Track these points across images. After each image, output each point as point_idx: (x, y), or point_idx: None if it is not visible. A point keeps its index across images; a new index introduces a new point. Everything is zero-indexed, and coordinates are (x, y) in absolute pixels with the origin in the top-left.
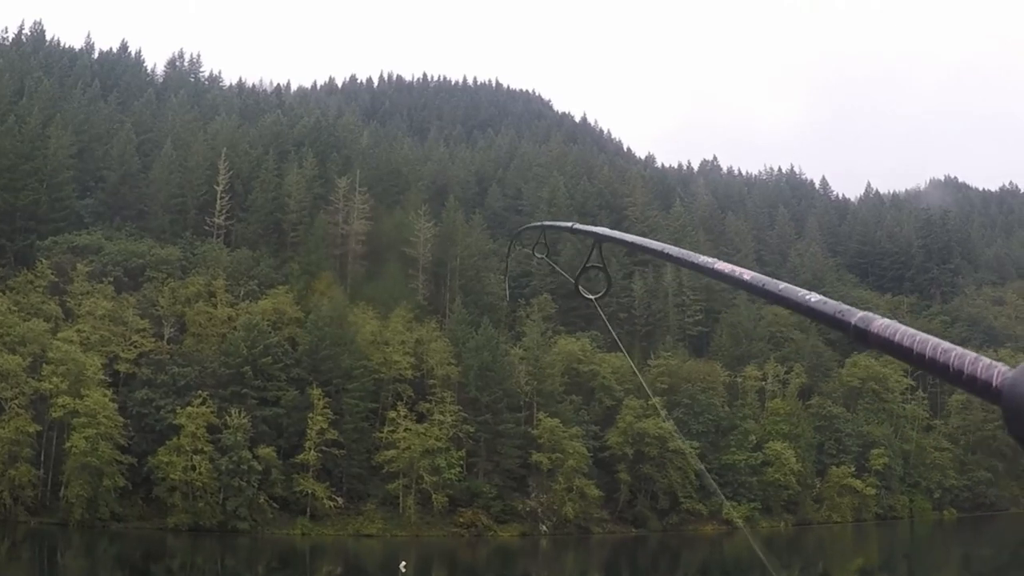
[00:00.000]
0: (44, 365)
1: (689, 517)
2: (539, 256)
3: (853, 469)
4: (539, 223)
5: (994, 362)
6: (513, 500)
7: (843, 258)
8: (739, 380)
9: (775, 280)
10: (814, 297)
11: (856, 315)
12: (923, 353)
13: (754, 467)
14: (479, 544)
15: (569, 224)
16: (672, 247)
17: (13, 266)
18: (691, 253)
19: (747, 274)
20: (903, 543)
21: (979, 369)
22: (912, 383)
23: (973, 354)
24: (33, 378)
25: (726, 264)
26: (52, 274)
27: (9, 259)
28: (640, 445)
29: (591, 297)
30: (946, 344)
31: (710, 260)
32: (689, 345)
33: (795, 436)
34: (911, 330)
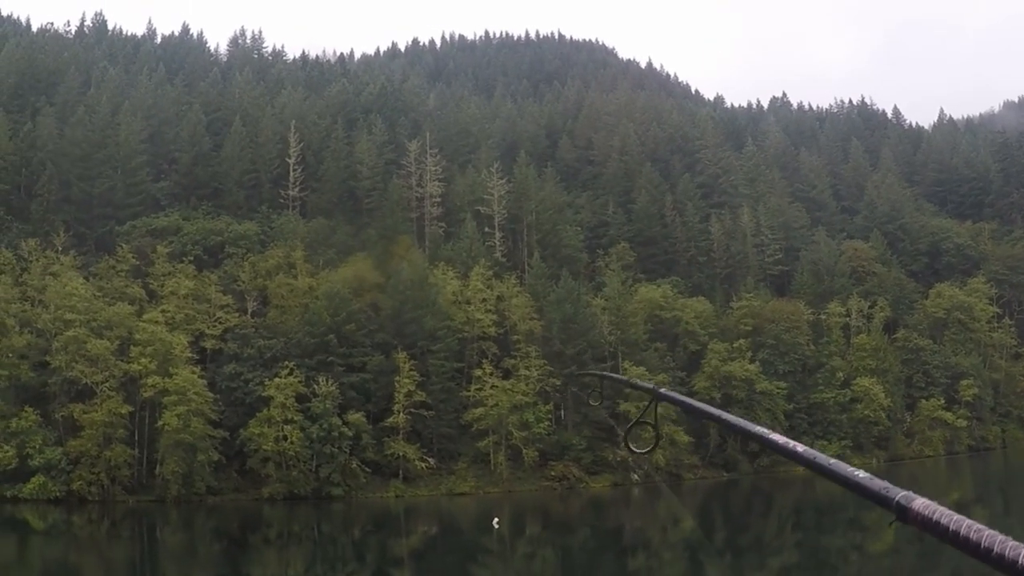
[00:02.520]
0: (132, 347)
1: (780, 458)
2: (594, 404)
3: (943, 401)
4: (598, 372)
5: (1021, 544)
6: (603, 451)
7: (920, 187)
8: (823, 317)
9: (824, 456)
10: (861, 474)
11: (899, 493)
12: (958, 532)
13: (843, 404)
14: (571, 496)
15: (626, 378)
16: (728, 414)
17: (95, 253)
18: (746, 422)
19: (799, 447)
20: (997, 474)
21: (1007, 549)
22: (998, 311)
23: (1003, 536)
24: (122, 360)
25: (780, 436)
26: (133, 258)
27: (90, 246)
28: (727, 388)
29: (638, 452)
30: (979, 525)
31: (764, 430)
32: (770, 285)
33: (882, 371)
34: (948, 511)
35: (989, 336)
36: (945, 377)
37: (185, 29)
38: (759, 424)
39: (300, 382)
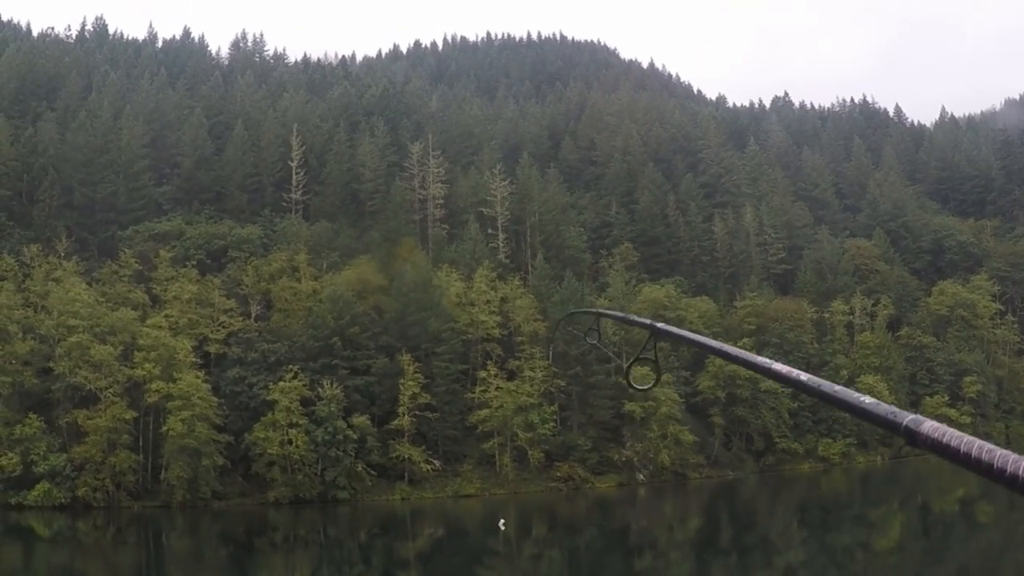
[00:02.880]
0: (135, 352)
1: (785, 456)
2: (591, 343)
3: (947, 398)
4: (595, 310)
5: None
6: (608, 451)
7: (923, 185)
8: (827, 316)
9: (829, 383)
10: (867, 399)
11: (907, 417)
12: (969, 452)
13: None
14: (577, 497)
15: (623, 315)
16: (729, 347)
17: (97, 258)
18: (748, 353)
19: (803, 375)
20: None
21: (1020, 467)
22: (1001, 308)
23: (1015, 455)
24: (126, 366)
25: (783, 365)
26: (136, 262)
27: (93, 251)
28: (732, 387)
29: (641, 388)
30: (990, 445)
31: (767, 361)
32: (774, 284)
33: (886, 368)
34: (958, 432)
35: (992, 333)
36: (949, 374)
37: (186, 33)
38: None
39: (304, 386)
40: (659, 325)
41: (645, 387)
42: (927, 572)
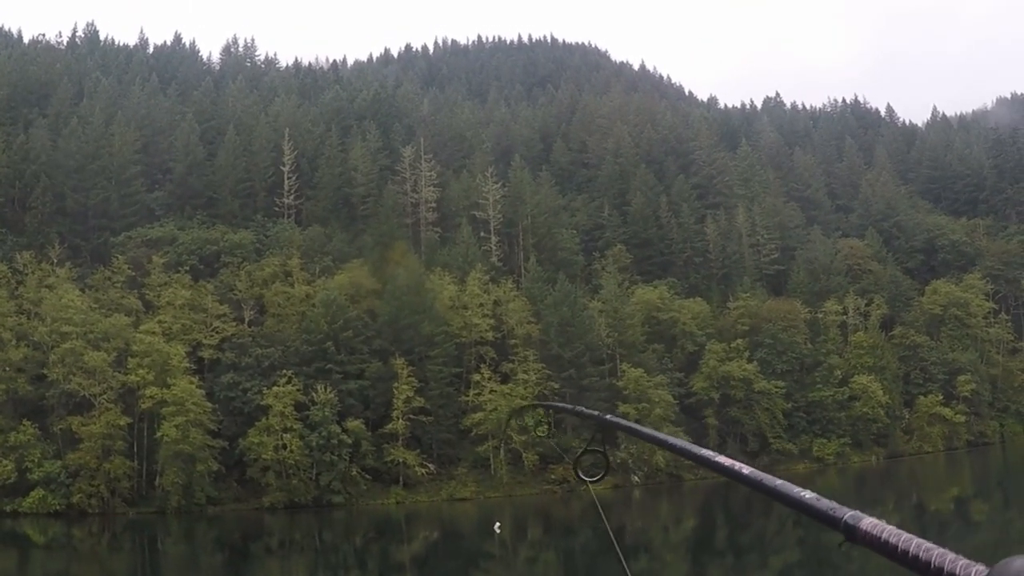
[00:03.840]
0: (129, 358)
1: (780, 457)
2: (540, 436)
3: (941, 397)
4: (542, 403)
5: (972, 563)
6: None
7: (915, 185)
8: (820, 316)
9: (771, 477)
10: (808, 494)
11: (847, 513)
12: (907, 551)
13: (841, 402)
14: (572, 499)
15: (571, 407)
16: (673, 439)
17: (90, 264)
18: (693, 446)
19: (746, 469)
20: (997, 469)
21: (958, 568)
22: (995, 306)
23: (953, 554)
24: (119, 372)
25: (726, 458)
26: (129, 268)
27: (85, 258)
28: (726, 388)
29: (588, 480)
30: (928, 544)
31: (711, 453)
32: (767, 284)
33: (880, 368)
34: (896, 530)
35: (986, 332)
36: (943, 373)
37: (177, 38)
38: (705, 448)
39: (298, 390)
40: (607, 417)
41: (595, 479)
42: None
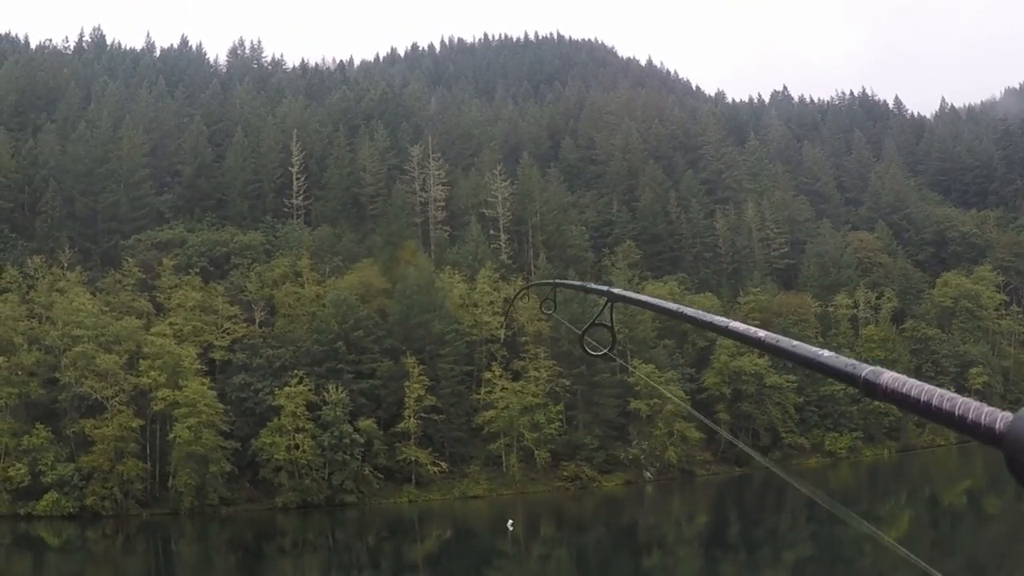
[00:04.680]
0: (141, 361)
1: (792, 451)
2: (547, 312)
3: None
4: (551, 281)
5: (996, 409)
6: (615, 449)
7: (924, 177)
8: (830, 310)
9: (788, 338)
10: (826, 353)
11: (865, 369)
12: (929, 402)
13: (853, 396)
14: (584, 496)
15: (580, 283)
16: (687, 308)
17: (100, 267)
18: (703, 313)
19: (761, 332)
20: None
21: (983, 415)
22: (1006, 298)
23: (976, 402)
24: (131, 374)
25: (739, 323)
26: (139, 271)
27: (96, 261)
28: (737, 383)
29: (596, 354)
30: (951, 394)
31: (724, 320)
32: (777, 279)
33: (891, 361)
34: (918, 382)
35: (997, 324)
36: (954, 366)
37: (184, 41)
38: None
39: (310, 390)
40: (615, 291)
41: (600, 352)
42: (936, 564)
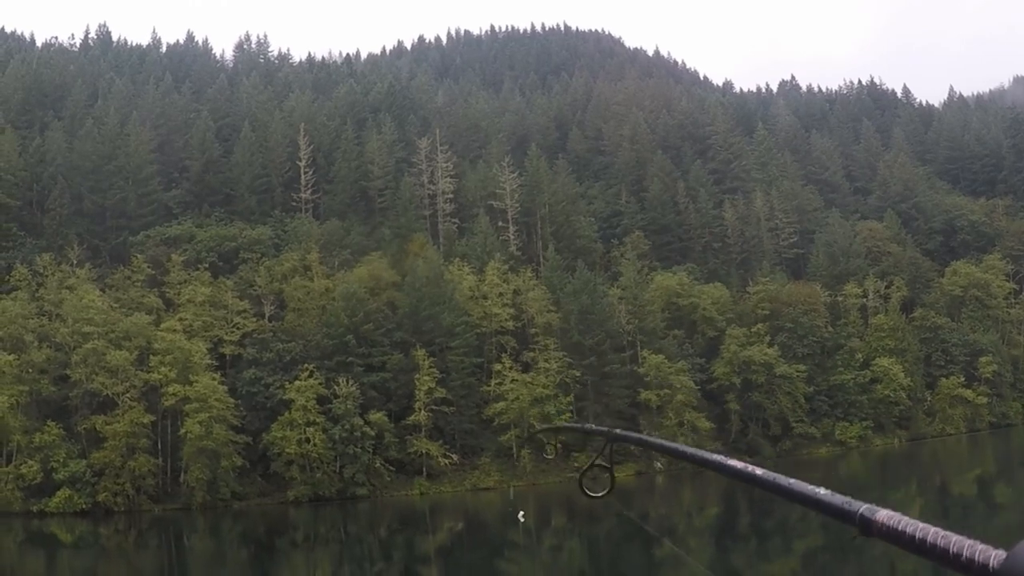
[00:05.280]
0: (151, 356)
1: (802, 441)
2: (548, 457)
3: (963, 379)
4: (553, 426)
5: (989, 547)
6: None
7: (932, 166)
8: (840, 299)
9: (784, 476)
10: (822, 491)
11: (862, 507)
12: (924, 539)
13: (862, 385)
14: (595, 487)
15: (580, 425)
16: (684, 447)
17: (109, 264)
18: (702, 452)
19: (758, 471)
20: (1019, 450)
21: (976, 553)
22: (1015, 287)
23: (972, 541)
24: (142, 370)
25: (737, 461)
26: (148, 267)
27: (105, 258)
28: (747, 373)
29: (594, 496)
30: (944, 532)
31: (721, 458)
32: (786, 268)
33: (901, 351)
34: (912, 521)
35: (1007, 312)
36: (964, 355)
37: (190, 37)
38: (714, 454)
39: (320, 384)
40: (616, 431)
41: (600, 494)
42: None
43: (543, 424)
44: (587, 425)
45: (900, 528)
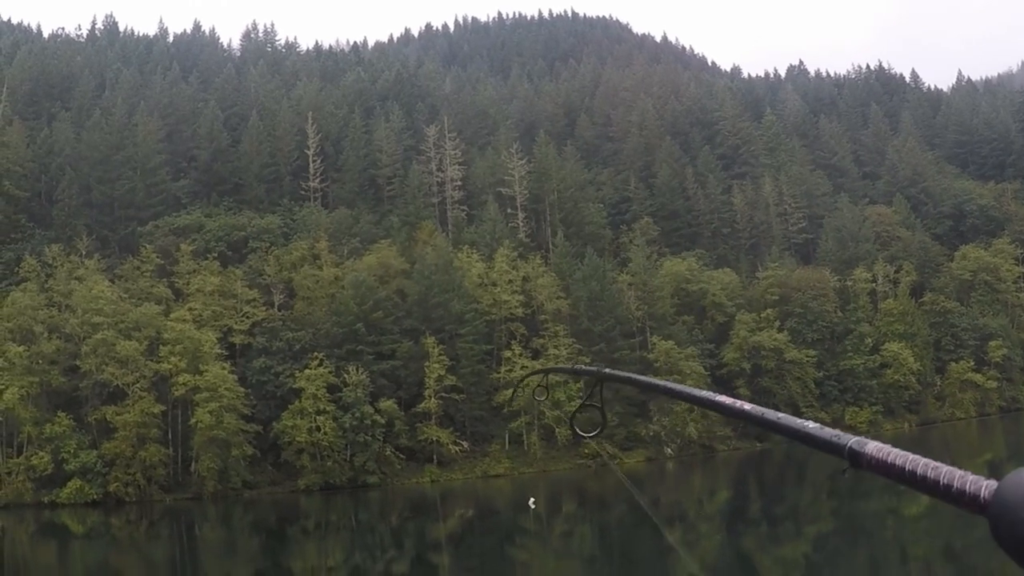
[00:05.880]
0: (161, 347)
1: None
2: (539, 399)
3: (972, 363)
4: (543, 369)
5: (980, 477)
6: (636, 426)
7: (941, 150)
8: (849, 284)
9: (773, 411)
10: (811, 424)
11: (851, 439)
12: (915, 471)
13: (872, 370)
14: (606, 473)
15: (571, 366)
16: (673, 384)
17: (118, 255)
18: (691, 389)
19: (747, 405)
20: None
21: (967, 484)
22: None
23: (961, 471)
24: (152, 360)
25: (726, 397)
26: (157, 257)
27: (114, 248)
28: (757, 359)
29: (585, 436)
30: (935, 463)
31: (710, 394)
32: (795, 254)
33: (911, 335)
34: (902, 452)
35: (1016, 296)
36: (974, 339)
37: (197, 26)
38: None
39: (330, 372)
40: (605, 371)
41: (591, 434)
42: (958, 536)
43: (555, 411)
44: (577, 366)
45: (890, 460)
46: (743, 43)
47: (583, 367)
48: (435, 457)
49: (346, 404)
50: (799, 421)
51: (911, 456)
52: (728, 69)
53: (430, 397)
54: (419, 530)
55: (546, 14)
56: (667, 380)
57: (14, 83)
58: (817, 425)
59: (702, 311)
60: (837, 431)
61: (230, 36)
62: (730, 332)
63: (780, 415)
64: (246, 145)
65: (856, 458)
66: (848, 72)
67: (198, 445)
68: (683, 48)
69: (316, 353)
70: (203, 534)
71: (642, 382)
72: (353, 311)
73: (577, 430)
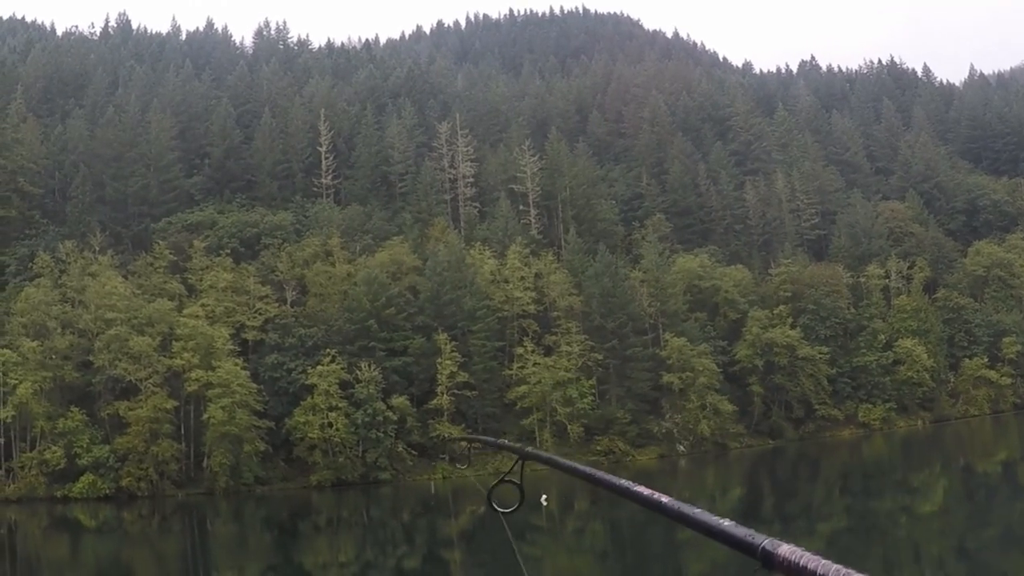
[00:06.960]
0: (174, 342)
1: (825, 423)
2: (460, 467)
3: (986, 360)
4: (466, 437)
5: None
6: (648, 423)
7: (954, 145)
8: (862, 280)
9: (690, 505)
10: (726, 522)
11: (764, 540)
12: None
13: (886, 367)
14: (618, 470)
15: (495, 440)
16: (597, 471)
17: (132, 251)
18: (611, 476)
19: (664, 498)
20: None
21: None
22: None
23: None
24: (165, 356)
25: (644, 488)
26: (170, 253)
27: (127, 245)
28: (769, 356)
29: (502, 511)
30: (847, 569)
31: (628, 483)
32: (808, 250)
33: (924, 332)
34: (815, 556)
35: None
36: (987, 335)
37: (209, 24)
38: (623, 478)
39: (343, 369)
40: (528, 450)
41: (509, 509)
42: (971, 535)
43: (566, 407)
44: (501, 441)
45: (802, 564)
46: (754, 39)
47: (507, 443)
48: (447, 453)
49: (358, 400)
50: (715, 519)
51: (823, 562)
52: (740, 65)
53: (442, 393)
54: (430, 526)
55: (557, 11)
56: (587, 467)
57: (28, 81)
58: (732, 523)
59: (714, 308)
60: (751, 531)
61: (242, 34)
62: (743, 329)
63: (696, 511)
64: (258, 142)
65: (768, 559)
66: (860, 67)
67: (210, 441)
68: (694, 44)
69: (328, 349)
70: (215, 529)
71: (563, 465)
72: (365, 308)
73: (494, 505)
